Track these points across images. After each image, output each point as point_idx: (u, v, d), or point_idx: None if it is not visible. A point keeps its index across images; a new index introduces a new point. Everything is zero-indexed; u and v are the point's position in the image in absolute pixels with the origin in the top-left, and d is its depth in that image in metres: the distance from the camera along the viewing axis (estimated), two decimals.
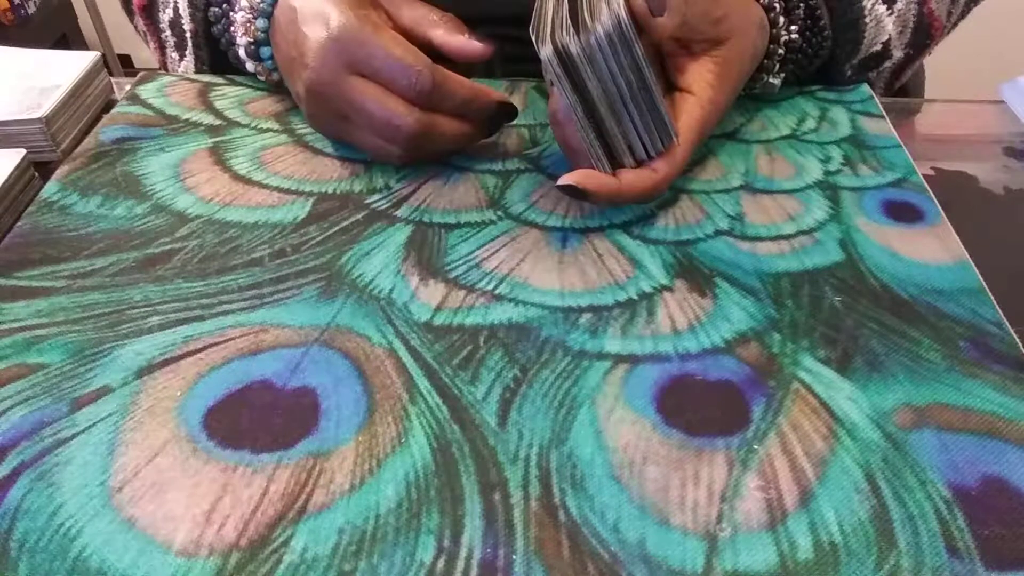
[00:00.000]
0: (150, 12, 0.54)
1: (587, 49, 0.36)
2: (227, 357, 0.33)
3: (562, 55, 0.36)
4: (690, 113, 0.40)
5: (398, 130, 0.41)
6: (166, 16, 0.53)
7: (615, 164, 0.39)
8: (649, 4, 0.37)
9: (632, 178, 0.39)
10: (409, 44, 0.41)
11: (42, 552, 0.26)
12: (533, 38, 0.37)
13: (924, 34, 0.50)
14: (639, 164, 0.39)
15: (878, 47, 0.49)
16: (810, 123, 0.48)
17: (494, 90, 0.44)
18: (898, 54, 0.50)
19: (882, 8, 0.48)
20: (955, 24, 0.55)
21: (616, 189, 0.39)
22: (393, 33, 0.42)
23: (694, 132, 0.40)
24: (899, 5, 0.48)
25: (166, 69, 0.57)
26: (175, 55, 0.54)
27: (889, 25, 0.49)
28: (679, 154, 0.40)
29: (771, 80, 0.47)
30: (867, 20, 0.48)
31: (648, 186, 0.39)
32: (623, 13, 0.36)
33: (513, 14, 0.46)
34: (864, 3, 0.47)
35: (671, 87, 0.42)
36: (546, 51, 0.36)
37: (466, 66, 0.44)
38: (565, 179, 0.38)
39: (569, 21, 0.36)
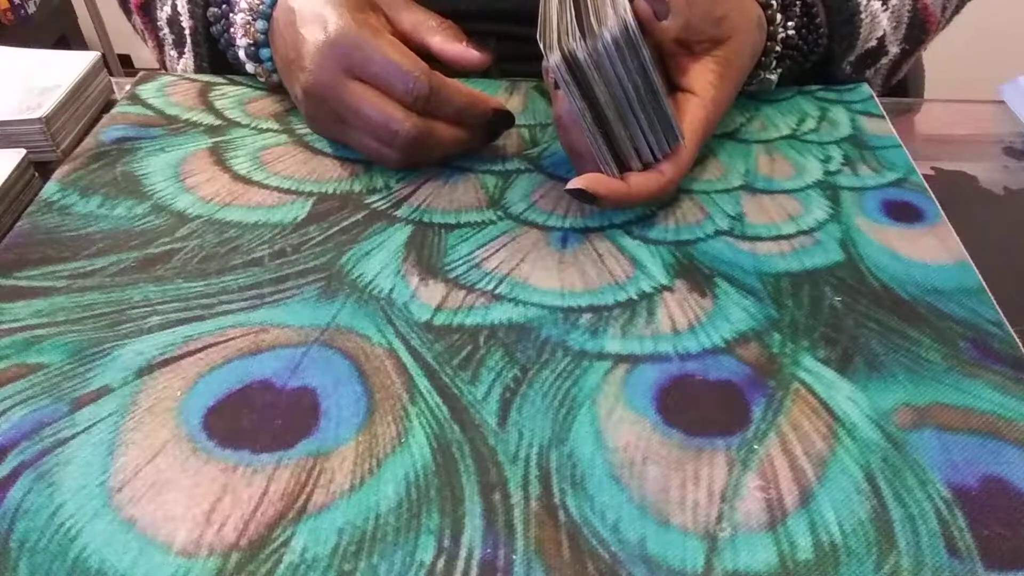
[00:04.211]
0: (147, 10, 0.54)
1: (595, 55, 0.36)
2: (227, 357, 0.33)
3: (570, 61, 0.36)
4: (693, 113, 0.40)
5: (395, 135, 0.41)
6: (164, 14, 0.53)
7: (622, 167, 0.39)
8: (653, 7, 0.37)
9: (640, 181, 0.39)
10: (407, 49, 0.41)
11: (42, 552, 0.26)
12: (540, 45, 0.37)
13: (919, 28, 0.50)
14: (645, 166, 0.39)
15: (874, 43, 0.49)
16: (810, 123, 0.48)
17: (492, 97, 0.44)
18: (894, 49, 0.51)
19: (877, 4, 0.48)
20: (950, 19, 0.55)
21: (625, 192, 0.39)
22: (391, 38, 0.42)
23: (698, 132, 0.40)
24: (893, 1, 0.49)
25: (165, 67, 0.57)
26: (174, 53, 0.54)
27: (884, 20, 0.49)
28: (685, 155, 0.40)
29: (768, 76, 0.47)
30: (862, 16, 0.48)
31: (656, 188, 0.39)
32: (630, 18, 0.36)
33: (511, 10, 0.46)
34: None
35: (673, 87, 0.42)
36: (554, 58, 0.36)
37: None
38: (574, 183, 0.38)
39: (575, 27, 0.36)
